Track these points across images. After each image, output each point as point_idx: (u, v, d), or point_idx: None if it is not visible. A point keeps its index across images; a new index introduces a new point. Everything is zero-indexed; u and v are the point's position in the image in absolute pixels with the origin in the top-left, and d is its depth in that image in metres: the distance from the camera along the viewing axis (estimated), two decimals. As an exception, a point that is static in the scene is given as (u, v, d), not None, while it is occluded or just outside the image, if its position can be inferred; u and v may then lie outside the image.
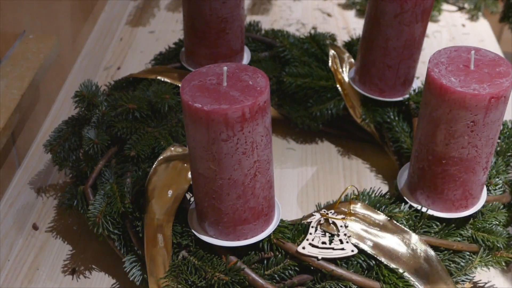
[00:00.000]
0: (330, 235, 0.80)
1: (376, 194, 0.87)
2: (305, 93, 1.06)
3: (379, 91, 1.03)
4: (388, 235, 0.80)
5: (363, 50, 1.03)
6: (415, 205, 0.85)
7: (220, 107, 0.69)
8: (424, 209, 0.84)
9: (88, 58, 1.30)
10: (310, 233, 0.80)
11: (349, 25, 1.42)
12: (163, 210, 0.81)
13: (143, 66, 1.25)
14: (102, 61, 1.29)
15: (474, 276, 0.84)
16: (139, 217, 0.83)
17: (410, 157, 0.86)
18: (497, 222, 0.85)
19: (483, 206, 0.85)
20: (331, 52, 1.09)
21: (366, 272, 0.79)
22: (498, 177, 0.90)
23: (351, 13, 1.47)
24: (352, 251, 0.78)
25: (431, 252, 0.80)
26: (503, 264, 0.84)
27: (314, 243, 0.79)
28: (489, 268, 0.84)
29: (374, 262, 0.79)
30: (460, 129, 0.77)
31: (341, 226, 0.80)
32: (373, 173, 1.05)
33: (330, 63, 1.07)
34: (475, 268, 0.82)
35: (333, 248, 0.78)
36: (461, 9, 1.49)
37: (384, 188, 1.02)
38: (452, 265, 0.81)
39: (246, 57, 1.09)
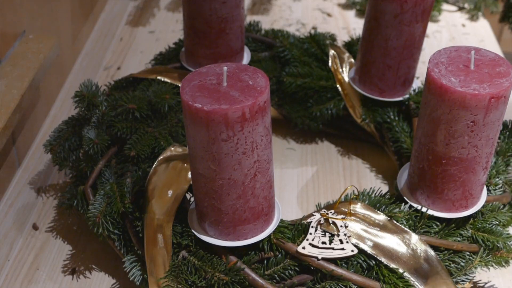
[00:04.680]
0: (330, 235, 0.80)
1: (376, 194, 0.87)
2: (305, 93, 1.06)
3: (379, 91, 1.03)
4: (388, 235, 0.80)
5: (363, 50, 1.03)
6: (415, 205, 0.85)
7: (220, 107, 0.69)
8: (424, 209, 0.84)
9: (88, 58, 1.30)
10: (310, 233, 0.80)
11: (349, 25, 1.42)
12: (163, 210, 0.81)
13: (143, 66, 1.25)
14: (102, 61, 1.29)
15: (474, 276, 0.84)
16: (139, 217, 0.83)
17: (410, 157, 0.86)
18: (497, 222, 0.85)
19: (483, 206, 0.85)
20: (331, 52, 1.09)
21: (366, 272, 0.79)
22: (498, 177, 0.90)
23: (351, 13, 1.47)
24: (352, 251, 0.78)
25: (431, 252, 0.80)
26: (503, 264, 0.84)
27: (314, 243, 0.79)
28: (489, 268, 0.84)
29: (374, 262, 0.79)
30: (460, 129, 0.77)
31: (341, 226, 0.80)
32: (373, 173, 1.05)
33: (330, 63, 1.08)
34: (475, 268, 0.82)
35: (333, 248, 0.79)
36: (461, 9, 1.49)
37: (384, 188, 1.02)
38: (452, 265, 0.81)
39: (246, 57, 1.09)
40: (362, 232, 0.80)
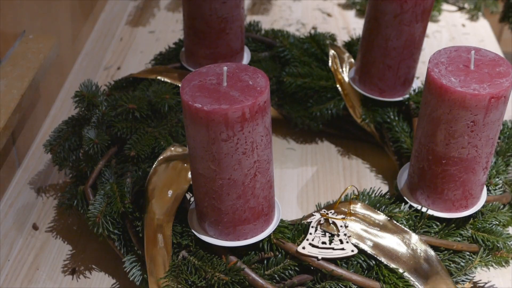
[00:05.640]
0: (330, 235, 0.80)
1: (376, 194, 0.87)
2: (305, 93, 1.06)
3: (379, 91, 1.03)
4: (388, 235, 0.80)
5: (363, 50, 1.03)
6: (415, 205, 0.85)
7: (220, 107, 0.69)
8: (424, 209, 0.84)
9: (88, 58, 1.30)
10: (310, 233, 0.80)
11: (349, 25, 1.42)
12: (163, 210, 0.81)
13: (143, 66, 1.25)
14: (102, 61, 1.29)
15: (474, 276, 0.84)
16: (139, 217, 0.83)
17: (410, 157, 0.86)
18: (497, 222, 0.85)
19: (483, 206, 0.85)
20: (331, 52, 1.09)
21: (366, 272, 0.79)
22: (498, 177, 0.90)
23: (351, 13, 1.47)
24: (352, 251, 0.78)
25: (431, 252, 0.80)
26: (503, 264, 0.84)
27: (314, 243, 0.79)
28: (489, 268, 0.84)
29: (374, 262, 0.79)
30: (460, 129, 0.77)
31: (341, 226, 0.80)
32: (373, 173, 1.05)
33: (330, 63, 1.08)
34: (475, 268, 0.82)
35: (333, 248, 0.79)
36: (461, 9, 1.49)
37: (384, 188, 1.02)
38: (452, 265, 0.81)
39: (246, 57, 1.09)
40: (362, 232, 0.80)
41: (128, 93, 0.97)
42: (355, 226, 0.81)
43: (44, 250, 0.91)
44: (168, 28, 1.41)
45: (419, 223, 0.83)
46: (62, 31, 1.20)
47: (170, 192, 0.83)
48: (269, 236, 0.80)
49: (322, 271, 0.78)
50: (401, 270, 0.78)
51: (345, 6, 1.49)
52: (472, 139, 0.77)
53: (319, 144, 1.11)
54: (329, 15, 1.46)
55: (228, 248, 0.79)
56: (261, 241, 0.79)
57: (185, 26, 1.05)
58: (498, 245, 0.83)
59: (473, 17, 1.46)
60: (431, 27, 1.41)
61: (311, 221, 0.81)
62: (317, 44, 1.11)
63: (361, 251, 0.79)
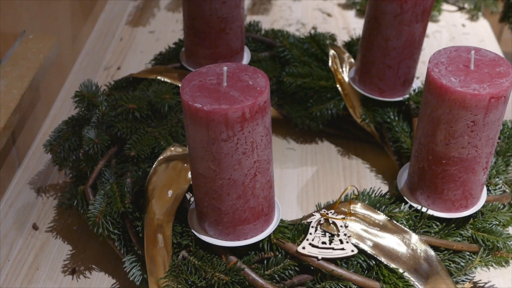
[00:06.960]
0: (330, 235, 0.80)
1: (376, 194, 0.87)
2: (305, 93, 1.06)
3: (379, 91, 1.03)
4: (388, 235, 0.80)
5: (363, 50, 1.03)
6: (415, 205, 0.85)
7: (220, 107, 0.69)
8: (424, 209, 0.84)
9: (88, 58, 1.30)
10: (310, 233, 0.80)
11: (349, 25, 1.42)
12: (163, 210, 0.81)
13: (143, 66, 1.25)
14: (102, 61, 1.29)
15: (474, 276, 0.84)
16: (139, 217, 0.83)
17: (410, 157, 0.86)
18: (497, 222, 0.85)
19: (483, 206, 0.85)
20: (331, 52, 1.09)
21: (366, 272, 0.79)
22: (498, 177, 0.90)
23: (351, 13, 1.47)
24: (352, 251, 0.78)
25: (431, 252, 0.80)
26: (503, 264, 0.84)
27: (314, 243, 0.79)
28: (489, 268, 0.84)
29: (374, 262, 0.79)
30: (460, 129, 0.77)
31: (341, 226, 0.80)
32: (373, 173, 1.05)
33: (330, 63, 1.08)
34: (475, 268, 0.82)
35: (333, 248, 0.79)
36: (461, 9, 1.49)
37: (384, 188, 1.02)
38: (452, 265, 0.81)
39: (246, 57, 1.09)
40: (362, 232, 0.80)
41: (128, 93, 0.97)
42: (355, 226, 0.81)
43: (44, 250, 0.91)
44: (168, 28, 1.41)
45: (419, 223, 0.83)
46: (62, 31, 1.20)
47: (170, 192, 0.83)
48: (269, 236, 0.80)
49: (322, 271, 0.78)
50: (401, 270, 0.78)
51: (345, 6, 1.49)
52: (472, 139, 0.77)
53: (319, 144, 1.11)
54: (329, 15, 1.46)
55: (228, 248, 0.79)
56: (261, 241, 0.79)
57: (185, 26, 1.05)
58: (498, 245, 0.83)
59: (473, 17, 1.46)
60: (431, 27, 1.41)
61: (311, 221, 0.81)
62: (317, 44, 1.11)
63: (361, 251, 0.79)
